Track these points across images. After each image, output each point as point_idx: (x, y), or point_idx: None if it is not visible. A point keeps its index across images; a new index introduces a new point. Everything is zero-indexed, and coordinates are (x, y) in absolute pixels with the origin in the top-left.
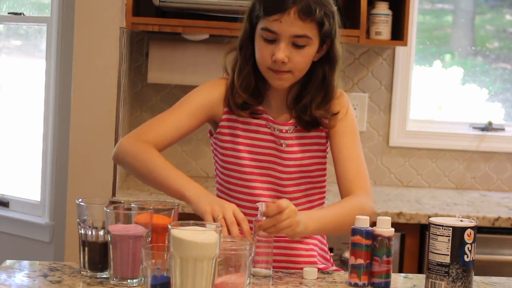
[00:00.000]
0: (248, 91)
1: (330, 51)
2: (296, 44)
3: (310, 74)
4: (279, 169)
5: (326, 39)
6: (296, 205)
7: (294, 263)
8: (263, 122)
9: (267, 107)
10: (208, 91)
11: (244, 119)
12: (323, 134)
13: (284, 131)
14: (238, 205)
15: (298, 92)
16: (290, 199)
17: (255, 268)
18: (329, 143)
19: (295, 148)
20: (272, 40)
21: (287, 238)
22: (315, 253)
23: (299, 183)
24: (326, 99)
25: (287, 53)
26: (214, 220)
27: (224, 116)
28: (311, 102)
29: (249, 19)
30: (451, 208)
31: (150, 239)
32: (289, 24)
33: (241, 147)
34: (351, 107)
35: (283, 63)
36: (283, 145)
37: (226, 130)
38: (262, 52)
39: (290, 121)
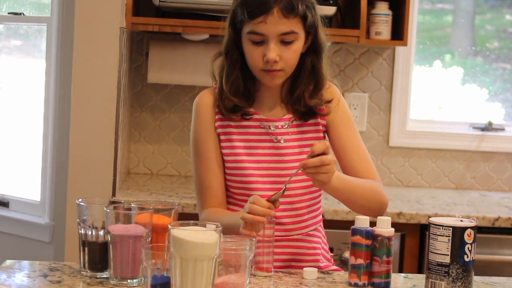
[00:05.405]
0: (238, 95)
1: (315, 40)
2: (285, 41)
3: (299, 66)
4: (279, 166)
5: (311, 30)
6: (298, 202)
7: (298, 261)
8: (256, 123)
9: (258, 107)
10: (203, 123)
11: (237, 123)
12: (320, 127)
13: (280, 126)
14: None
15: (290, 86)
16: (293, 195)
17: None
18: (327, 137)
19: (293, 143)
20: (261, 42)
21: (291, 237)
22: (319, 251)
23: (300, 179)
24: (318, 88)
25: (277, 51)
26: (247, 221)
27: (217, 123)
28: (304, 92)
29: (232, 25)
30: (451, 208)
31: (150, 239)
32: (275, 23)
33: (239, 151)
34: (342, 97)
35: (275, 62)
36: (282, 141)
37: (222, 137)
38: (252, 55)
39: (285, 117)
